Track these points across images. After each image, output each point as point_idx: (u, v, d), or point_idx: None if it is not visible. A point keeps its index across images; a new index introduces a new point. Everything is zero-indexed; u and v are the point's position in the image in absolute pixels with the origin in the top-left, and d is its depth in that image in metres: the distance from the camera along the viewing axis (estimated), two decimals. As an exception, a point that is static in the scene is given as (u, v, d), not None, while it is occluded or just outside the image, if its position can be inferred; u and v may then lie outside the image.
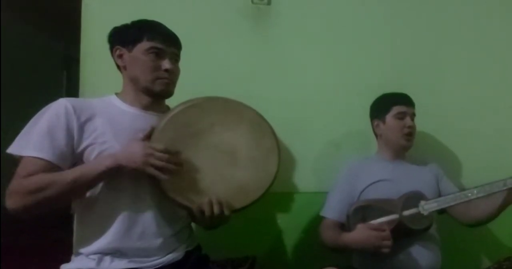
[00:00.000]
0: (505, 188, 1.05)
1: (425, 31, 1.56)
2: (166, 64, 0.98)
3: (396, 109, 1.27)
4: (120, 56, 1.00)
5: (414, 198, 1.13)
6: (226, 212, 0.93)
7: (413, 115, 1.28)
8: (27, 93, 2.92)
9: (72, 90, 3.22)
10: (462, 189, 1.43)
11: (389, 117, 1.27)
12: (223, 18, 1.47)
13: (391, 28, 1.54)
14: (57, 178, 0.85)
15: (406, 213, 1.11)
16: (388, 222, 1.08)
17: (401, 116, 1.26)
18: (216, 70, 1.44)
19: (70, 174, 0.86)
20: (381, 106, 1.32)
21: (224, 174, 0.97)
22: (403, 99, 1.29)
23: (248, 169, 0.99)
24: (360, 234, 1.06)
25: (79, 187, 0.88)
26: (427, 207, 1.12)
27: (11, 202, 0.84)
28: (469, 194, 1.09)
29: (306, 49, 1.50)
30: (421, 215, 1.11)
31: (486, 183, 1.08)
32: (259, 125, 1.02)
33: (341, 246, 1.14)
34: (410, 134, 1.24)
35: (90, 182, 0.89)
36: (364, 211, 1.13)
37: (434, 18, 1.56)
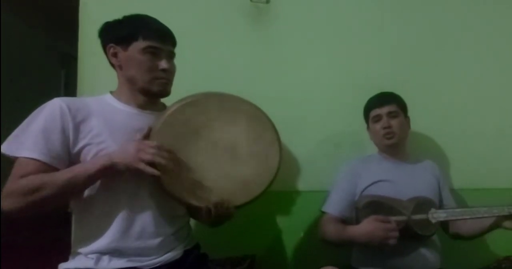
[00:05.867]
0: (508, 213, 1.07)
1: (425, 30, 1.55)
2: (163, 64, 0.97)
3: (372, 114, 1.29)
4: (115, 54, 0.98)
5: (425, 204, 1.15)
6: (232, 209, 0.94)
7: (390, 113, 1.25)
8: (25, 92, 2.91)
9: (70, 89, 3.21)
10: (460, 189, 1.45)
11: (370, 123, 1.31)
12: (221, 16, 1.46)
13: (390, 27, 1.54)
14: (51, 178, 0.84)
15: (415, 217, 1.12)
16: (397, 222, 1.09)
17: (377, 119, 1.28)
18: (214, 68, 1.43)
19: (64, 174, 0.85)
20: (364, 114, 1.35)
21: (226, 170, 0.97)
22: (376, 102, 1.30)
23: (249, 164, 0.98)
24: (367, 225, 1.07)
25: (74, 187, 0.87)
26: (436, 215, 1.13)
27: (7, 204, 0.83)
28: (476, 212, 1.11)
29: (305, 48, 1.49)
30: (428, 222, 1.13)
31: (494, 206, 1.10)
32: (258, 118, 1.01)
33: (345, 240, 1.13)
34: (388, 133, 1.24)
35: (86, 182, 0.88)
36: (375, 206, 1.14)
37: (433, 18, 1.56)
